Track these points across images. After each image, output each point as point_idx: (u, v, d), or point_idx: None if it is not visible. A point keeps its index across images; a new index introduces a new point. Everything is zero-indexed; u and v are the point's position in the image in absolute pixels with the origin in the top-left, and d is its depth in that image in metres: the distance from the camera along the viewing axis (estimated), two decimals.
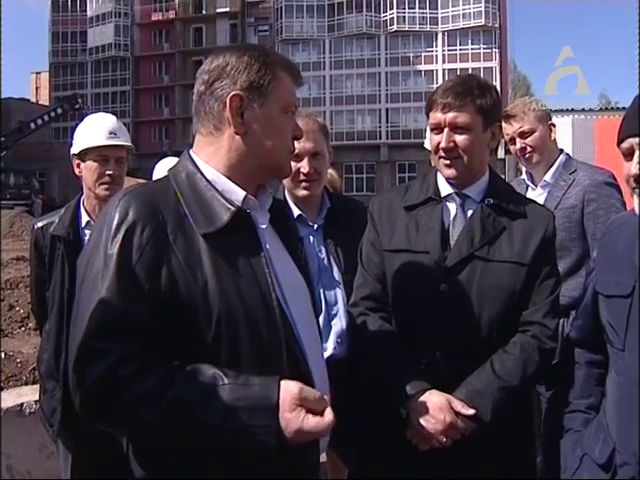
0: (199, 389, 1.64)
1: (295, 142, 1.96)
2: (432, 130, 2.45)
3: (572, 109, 16.94)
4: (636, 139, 1.92)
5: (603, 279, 2.13)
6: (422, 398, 2.24)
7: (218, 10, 60.99)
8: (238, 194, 1.85)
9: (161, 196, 1.81)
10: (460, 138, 2.38)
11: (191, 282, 1.71)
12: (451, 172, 2.42)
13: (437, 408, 2.21)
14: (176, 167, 1.92)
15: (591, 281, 2.26)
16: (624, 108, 2.08)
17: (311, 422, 1.65)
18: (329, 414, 1.68)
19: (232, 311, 1.73)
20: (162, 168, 4.73)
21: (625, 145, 1.96)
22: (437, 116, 2.40)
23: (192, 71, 56.90)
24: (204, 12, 61.56)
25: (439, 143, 2.41)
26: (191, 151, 1.93)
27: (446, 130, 2.38)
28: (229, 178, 1.87)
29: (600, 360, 2.19)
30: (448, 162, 2.41)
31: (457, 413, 2.22)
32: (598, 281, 2.17)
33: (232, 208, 1.80)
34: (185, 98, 58.16)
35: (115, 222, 1.72)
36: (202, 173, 1.86)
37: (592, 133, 15.18)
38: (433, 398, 2.24)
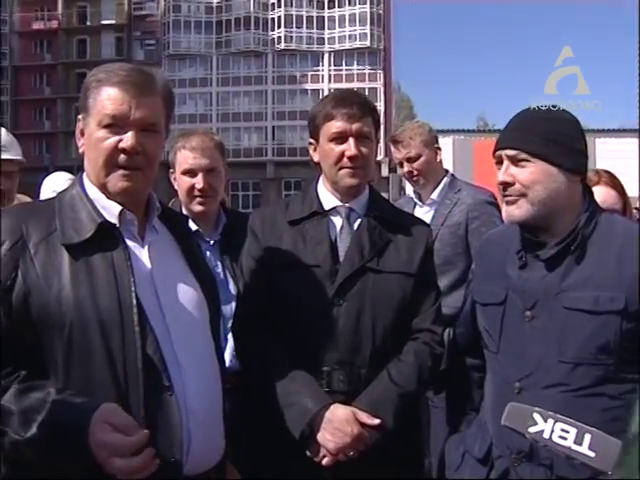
0: (24, 403, 1.73)
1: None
2: (331, 140, 2.46)
3: (453, 130, 17.64)
4: (504, 151, 2.13)
5: (480, 289, 2.32)
6: (327, 413, 2.27)
7: (103, 22, 59.54)
8: (113, 209, 1.95)
9: (35, 213, 1.94)
10: (364, 147, 2.45)
11: (46, 291, 1.81)
12: (354, 181, 2.46)
13: (344, 421, 2.25)
14: (67, 188, 2.04)
15: (470, 292, 2.43)
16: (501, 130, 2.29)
17: (114, 436, 1.69)
18: (137, 434, 1.71)
19: (85, 319, 1.81)
20: (49, 183, 4.66)
21: (497, 154, 2.17)
22: (340, 125, 2.43)
23: (75, 84, 55.33)
24: (88, 23, 60.01)
25: (343, 152, 2.44)
26: (84, 174, 2.03)
27: (352, 139, 2.42)
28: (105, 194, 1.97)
29: (479, 364, 2.36)
30: (353, 171, 2.45)
31: (362, 424, 2.26)
32: (475, 291, 2.36)
33: (98, 220, 1.90)
34: (67, 111, 56.37)
35: None
36: (85, 192, 1.97)
37: (471, 153, 15.84)
38: (338, 412, 2.27)
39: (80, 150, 1.99)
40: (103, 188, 1.95)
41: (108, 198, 1.95)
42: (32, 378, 1.79)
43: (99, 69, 1.99)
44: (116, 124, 1.90)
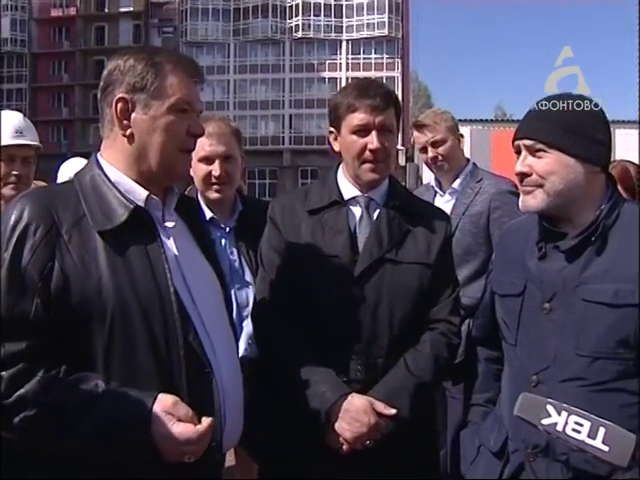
0: (75, 397, 1.70)
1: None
2: (354, 132, 2.41)
3: (470, 119, 17.56)
4: (522, 141, 2.10)
5: (499, 279, 2.29)
6: (345, 403, 2.26)
7: (121, 9, 59.68)
8: (140, 193, 1.91)
9: (60, 198, 1.87)
10: (387, 140, 2.40)
11: (85, 278, 1.76)
12: (375, 176, 2.43)
13: (361, 411, 2.25)
14: (83, 170, 1.98)
15: (489, 282, 2.40)
16: (519, 120, 2.27)
17: (180, 426, 1.70)
18: (204, 422, 1.73)
19: (126, 305, 1.78)
20: (66, 169, 4.67)
21: (515, 144, 2.14)
22: (363, 117, 2.38)
23: (93, 71, 55.54)
24: (107, 10, 60.11)
25: (365, 145, 2.39)
26: (99, 155, 1.98)
27: (375, 132, 2.37)
28: (132, 178, 1.93)
29: (498, 357, 2.33)
30: (374, 166, 2.41)
31: (379, 414, 2.26)
32: (494, 281, 2.32)
33: (130, 206, 1.86)
34: (85, 98, 56.67)
35: (10, 224, 1.78)
36: (106, 175, 1.92)
37: (489, 143, 15.78)
38: (355, 402, 2.27)
39: (123, 133, 1.91)
40: (167, 170, 1.94)
41: (136, 182, 1.92)
42: (72, 372, 1.74)
43: (157, 51, 1.99)
44: (187, 108, 1.94)
